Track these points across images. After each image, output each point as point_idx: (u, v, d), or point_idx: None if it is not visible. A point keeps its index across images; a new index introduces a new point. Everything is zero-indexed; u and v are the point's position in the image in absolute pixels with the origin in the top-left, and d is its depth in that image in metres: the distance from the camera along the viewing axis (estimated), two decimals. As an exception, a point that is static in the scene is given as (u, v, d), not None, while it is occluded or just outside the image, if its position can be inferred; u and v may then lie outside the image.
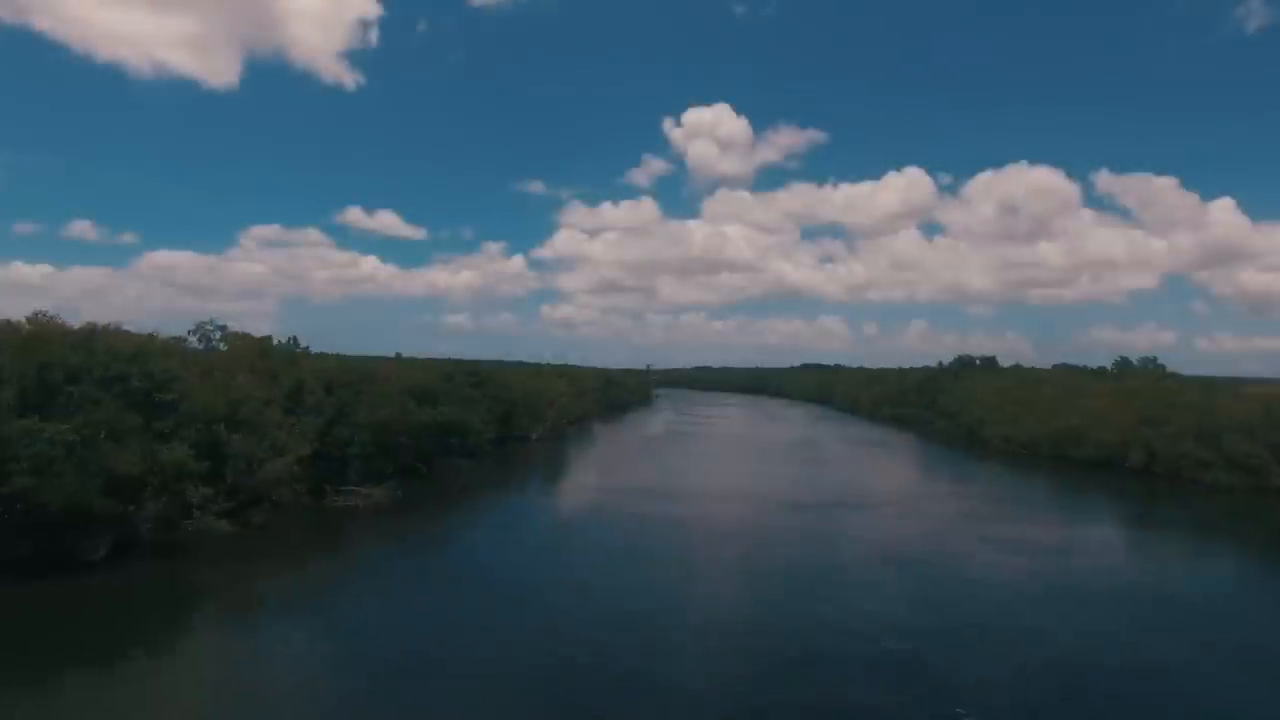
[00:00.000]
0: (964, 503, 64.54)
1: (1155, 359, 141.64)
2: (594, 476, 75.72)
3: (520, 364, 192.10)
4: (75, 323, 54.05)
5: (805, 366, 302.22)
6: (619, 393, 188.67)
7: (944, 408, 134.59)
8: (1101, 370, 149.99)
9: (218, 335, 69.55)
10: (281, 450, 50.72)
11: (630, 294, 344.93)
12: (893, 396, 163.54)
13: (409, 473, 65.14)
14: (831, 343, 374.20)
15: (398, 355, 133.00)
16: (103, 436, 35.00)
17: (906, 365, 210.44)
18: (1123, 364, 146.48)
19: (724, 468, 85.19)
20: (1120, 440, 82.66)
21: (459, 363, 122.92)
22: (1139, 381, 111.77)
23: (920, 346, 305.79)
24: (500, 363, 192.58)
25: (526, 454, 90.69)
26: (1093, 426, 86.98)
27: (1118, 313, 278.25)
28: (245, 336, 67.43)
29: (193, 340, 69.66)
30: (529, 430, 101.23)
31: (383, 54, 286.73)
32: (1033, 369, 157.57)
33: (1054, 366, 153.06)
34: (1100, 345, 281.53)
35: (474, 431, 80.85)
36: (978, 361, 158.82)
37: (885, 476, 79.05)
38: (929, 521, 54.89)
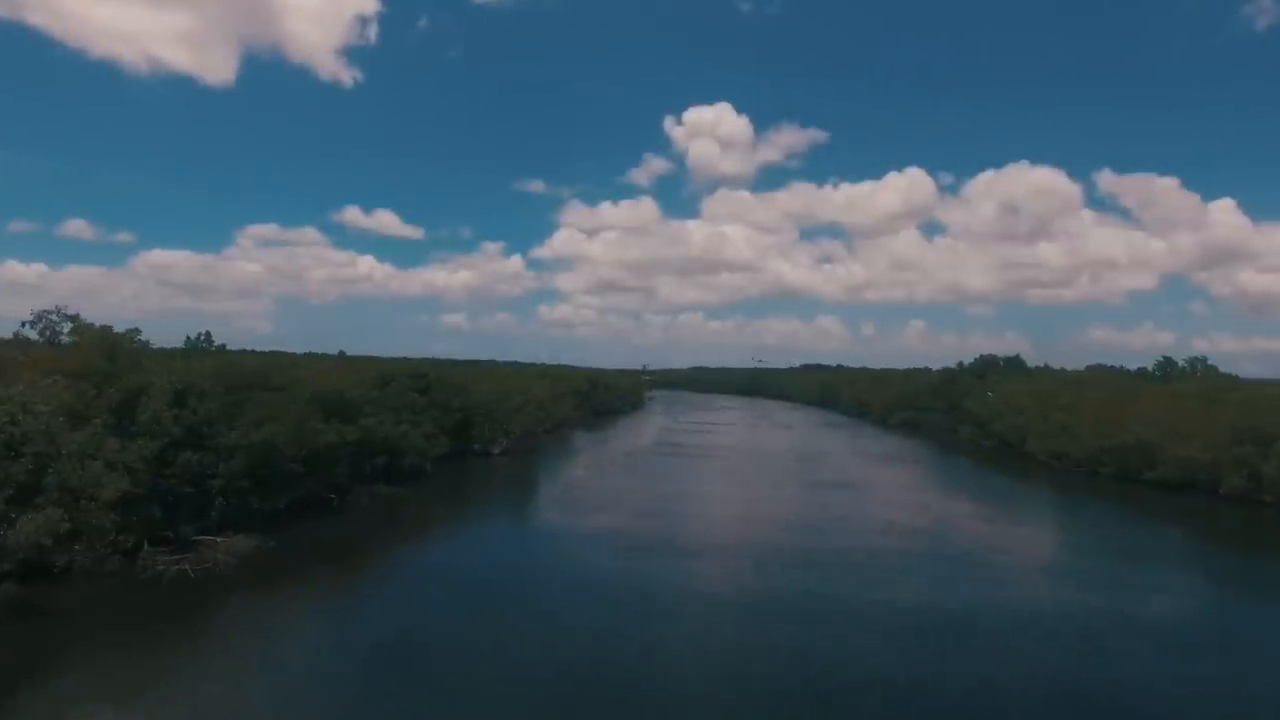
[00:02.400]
0: (1046, 550, 49.04)
1: (1205, 359, 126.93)
2: (556, 511, 59.80)
3: (515, 364, 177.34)
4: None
5: (806, 367, 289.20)
6: (607, 395, 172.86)
7: (970, 414, 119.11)
8: (1142, 371, 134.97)
9: (66, 328, 53.70)
10: (85, 490, 34.99)
11: (629, 294, 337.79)
12: (907, 400, 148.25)
13: (311, 508, 49.65)
14: (830, 343, 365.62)
15: (341, 353, 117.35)
16: None
17: (905, 365, 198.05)
18: (1166, 364, 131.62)
19: (723, 496, 69.32)
20: (1210, 459, 67.00)
21: (412, 362, 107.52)
22: (1195, 384, 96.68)
23: (919, 347, 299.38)
24: (495, 362, 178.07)
25: (481, 475, 74.79)
26: (1171, 441, 71.29)
27: (1117, 313, 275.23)
28: (101, 330, 51.38)
29: (31, 333, 54.14)
30: (491, 443, 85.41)
31: (381, 51, 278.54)
32: (1062, 370, 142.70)
33: (1088, 368, 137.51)
34: (1099, 345, 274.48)
35: (412, 449, 65.15)
36: (1001, 362, 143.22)
37: (925, 508, 63.33)
38: (1011, 585, 39.16)
